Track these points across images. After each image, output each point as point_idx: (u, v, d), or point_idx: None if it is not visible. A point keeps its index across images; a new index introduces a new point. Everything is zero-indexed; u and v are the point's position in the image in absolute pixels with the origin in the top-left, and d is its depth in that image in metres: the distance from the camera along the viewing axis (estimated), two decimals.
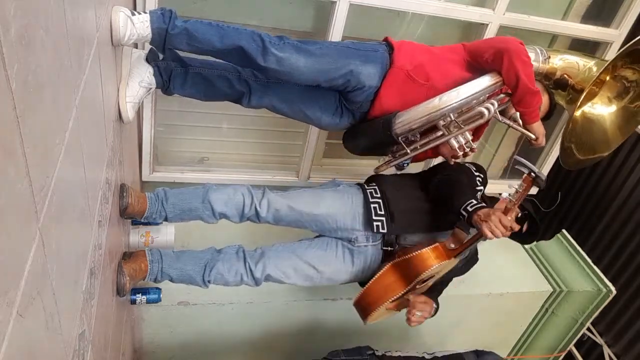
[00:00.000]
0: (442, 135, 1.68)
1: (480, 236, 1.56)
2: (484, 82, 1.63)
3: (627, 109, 1.89)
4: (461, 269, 1.91)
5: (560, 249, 2.84)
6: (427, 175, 1.90)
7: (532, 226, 1.83)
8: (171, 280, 1.70)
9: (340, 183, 1.91)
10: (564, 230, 2.91)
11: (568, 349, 2.95)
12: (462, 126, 1.65)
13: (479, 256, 1.98)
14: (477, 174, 1.85)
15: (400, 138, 1.70)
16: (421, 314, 1.72)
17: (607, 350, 3.03)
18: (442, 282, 1.90)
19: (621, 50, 1.68)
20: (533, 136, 1.68)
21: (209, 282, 1.72)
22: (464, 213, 1.60)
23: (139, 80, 1.53)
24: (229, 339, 2.28)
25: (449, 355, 2.08)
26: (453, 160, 1.79)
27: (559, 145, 2.77)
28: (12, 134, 0.58)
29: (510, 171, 2.84)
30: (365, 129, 1.78)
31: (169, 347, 2.20)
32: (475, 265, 1.99)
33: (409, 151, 1.74)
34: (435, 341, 2.52)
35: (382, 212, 1.77)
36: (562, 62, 1.87)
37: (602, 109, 1.93)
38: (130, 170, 1.89)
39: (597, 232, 3.09)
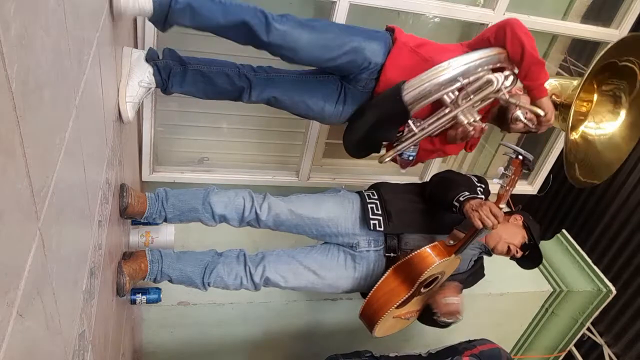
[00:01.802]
0: (450, 111, 1.60)
1: (477, 229, 1.55)
2: (491, 49, 1.59)
3: (633, 109, 1.89)
4: (468, 281, 1.90)
5: (560, 249, 2.85)
6: (425, 184, 1.91)
7: (534, 253, 1.80)
8: (170, 281, 1.70)
9: (341, 189, 1.91)
10: (564, 230, 2.92)
11: (568, 349, 2.95)
12: (471, 96, 1.57)
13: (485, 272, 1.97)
14: (478, 184, 1.83)
15: (409, 107, 1.59)
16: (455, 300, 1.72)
17: (607, 350, 3.03)
18: None
19: (592, 67, 1.68)
20: (542, 112, 1.60)
21: (208, 284, 1.71)
22: (456, 204, 1.61)
23: (139, 80, 1.52)
24: (229, 339, 2.28)
25: (443, 349, 2.09)
26: (464, 139, 1.69)
27: (559, 144, 2.78)
28: (12, 134, 0.58)
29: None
30: (372, 102, 1.68)
31: (169, 347, 2.20)
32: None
33: (416, 130, 1.65)
34: (435, 341, 2.52)
35: (379, 212, 1.78)
36: (547, 86, 1.90)
37: (610, 125, 1.92)
38: (130, 170, 1.89)
39: (597, 232, 3.09)
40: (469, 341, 2.09)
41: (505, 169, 1.57)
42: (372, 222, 1.75)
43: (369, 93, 1.69)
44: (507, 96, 1.59)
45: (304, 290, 1.82)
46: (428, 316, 1.80)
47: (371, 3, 2.00)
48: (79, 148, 0.92)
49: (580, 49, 2.58)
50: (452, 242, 1.63)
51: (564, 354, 2.98)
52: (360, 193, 1.88)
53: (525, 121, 1.64)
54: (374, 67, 1.62)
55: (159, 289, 1.82)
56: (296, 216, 1.77)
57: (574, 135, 1.89)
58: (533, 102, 1.62)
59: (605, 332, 3.09)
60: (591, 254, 2.88)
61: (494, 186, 1.69)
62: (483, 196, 1.81)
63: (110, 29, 1.29)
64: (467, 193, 1.63)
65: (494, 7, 2.16)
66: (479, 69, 1.57)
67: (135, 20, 1.85)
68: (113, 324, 1.42)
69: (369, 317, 1.72)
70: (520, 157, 1.51)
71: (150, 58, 1.58)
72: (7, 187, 0.56)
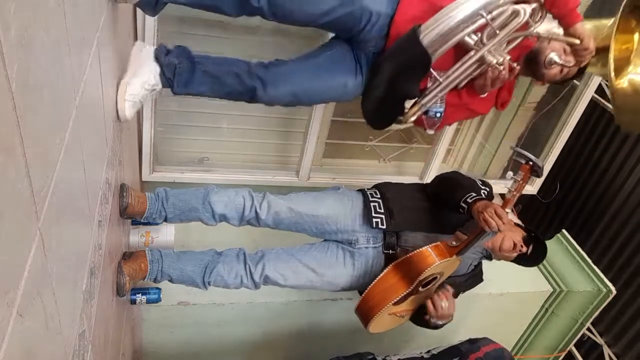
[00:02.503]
0: (475, 52, 1.46)
1: (482, 231, 1.56)
2: None
3: None
4: (466, 284, 1.91)
5: (560, 249, 2.85)
6: (428, 185, 1.91)
7: (537, 244, 1.79)
8: (171, 280, 1.70)
9: (341, 187, 1.91)
10: (564, 230, 2.92)
11: (568, 349, 2.95)
12: (497, 31, 1.42)
13: (484, 277, 1.97)
14: (482, 187, 1.81)
15: (430, 51, 1.43)
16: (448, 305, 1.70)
17: (607, 350, 3.04)
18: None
19: (625, 3, 1.56)
20: (577, 41, 1.45)
21: (208, 283, 1.72)
22: (463, 205, 1.61)
23: (143, 80, 1.46)
24: (229, 339, 2.28)
25: (446, 349, 2.09)
26: (495, 85, 1.54)
27: (559, 144, 2.79)
28: (12, 134, 0.58)
29: (512, 169, 2.85)
30: (386, 55, 1.53)
31: (169, 347, 2.20)
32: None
33: (441, 79, 1.51)
34: (435, 341, 2.52)
35: (382, 210, 1.77)
36: None
37: None
38: (130, 170, 1.89)
39: (597, 232, 3.09)
40: (471, 341, 2.09)
41: (515, 174, 1.56)
42: (374, 219, 1.75)
43: (382, 52, 1.56)
44: (538, 31, 1.45)
45: (303, 288, 1.83)
46: (420, 317, 1.81)
47: None
48: (79, 148, 0.92)
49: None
50: (454, 243, 1.64)
51: (564, 354, 2.98)
52: (362, 191, 1.88)
53: (561, 62, 1.51)
54: (379, 20, 1.48)
55: (159, 289, 1.82)
56: (295, 214, 1.77)
57: (621, 83, 1.72)
58: (566, 32, 1.46)
59: (605, 332, 3.09)
60: (591, 254, 2.89)
61: (495, 188, 1.68)
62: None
63: (111, 29, 1.29)
64: (474, 194, 1.63)
65: None
66: (501, 1, 1.40)
67: (135, 21, 1.85)
68: (113, 324, 1.42)
69: (365, 312, 1.72)
70: (530, 163, 1.51)
71: (159, 55, 1.51)
72: (7, 187, 0.56)
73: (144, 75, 1.47)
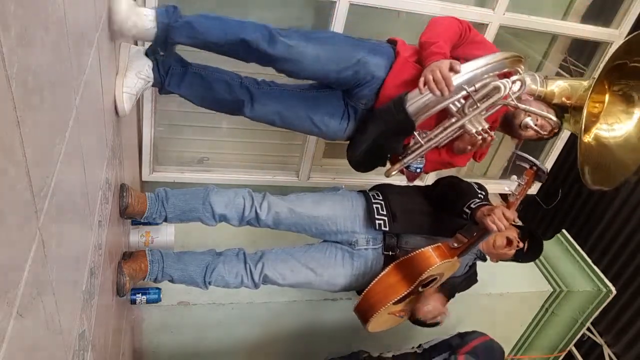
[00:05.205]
0: (457, 120, 1.56)
1: (484, 233, 1.57)
2: (496, 55, 1.55)
3: None
4: (462, 285, 1.92)
5: (560, 249, 2.85)
6: (429, 188, 1.93)
7: (533, 239, 1.81)
8: (171, 280, 1.71)
9: (340, 188, 1.92)
10: (564, 230, 2.92)
11: (568, 349, 2.95)
12: (478, 104, 1.52)
13: (478, 278, 1.98)
14: (479, 191, 1.83)
15: (413, 119, 1.55)
16: (432, 307, 1.72)
17: (607, 350, 3.03)
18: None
19: (604, 66, 1.67)
20: (553, 117, 1.63)
21: (209, 283, 1.72)
22: (467, 210, 1.63)
23: (137, 71, 1.47)
24: (228, 339, 2.28)
25: (436, 343, 2.10)
26: (473, 149, 1.67)
27: (559, 144, 2.78)
28: (12, 134, 0.58)
29: (511, 169, 2.85)
30: (374, 115, 1.63)
31: (169, 347, 2.20)
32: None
33: (422, 142, 1.61)
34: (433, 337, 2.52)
35: (384, 212, 1.78)
36: (557, 88, 1.85)
37: (625, 126, 1.85)
38: (130, 170, 1.89)
39: (597, 232, 3.09)
40: (460, 335, 2.11)
41: (518, 177, 1.58)
42: (377, 221, 1.76)
43: (371, 110, 1.66)
44: (516, 102, 1.55)
45: (302, 287, 1.84)
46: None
47: (371, 3, 2.00)
48: (79, 148, 0.92)
49: (581, 49, 2.58)
50: (455, 244, 1.65)
51: (564, 354, 2.98)
52: (364, 193, 1.88)
53: (535, 128, 1.65)
54: (375, 82, 1.59)
55: (159, 289, 1.82)
56: (295, 215, 1.77)
57: (588, 138, 1.82)
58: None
59: (605, 332, 3.09)
60: (591, 254, 2.88)
61: (496, 188, 1.70)
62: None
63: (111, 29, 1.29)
64: (477, 200, 1.66)
65: (494, 7, 2.16)
66: (485, 76, 1.52)
67: None
68: (113, 324, 1.42)
69: (365, 310, 1.73)
70: (535, 167, 1.53)
71: (151, 53, 1.54)
72: (7, 187, 0.56)
73: (137, 67, 1.49)
